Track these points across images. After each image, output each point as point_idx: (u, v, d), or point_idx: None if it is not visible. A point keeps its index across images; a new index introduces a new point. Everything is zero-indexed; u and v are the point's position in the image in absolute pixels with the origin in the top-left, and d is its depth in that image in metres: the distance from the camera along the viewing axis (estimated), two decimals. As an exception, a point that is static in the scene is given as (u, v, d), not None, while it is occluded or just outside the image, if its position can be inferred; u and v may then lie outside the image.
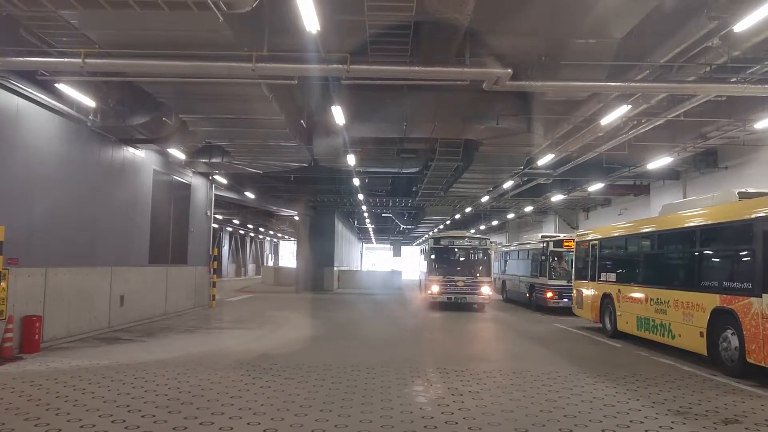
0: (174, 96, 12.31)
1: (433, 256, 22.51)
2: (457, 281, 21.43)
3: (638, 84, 10.75)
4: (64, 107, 11.64)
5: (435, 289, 21.49)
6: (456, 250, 22.92)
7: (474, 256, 22.90)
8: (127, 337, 12.97)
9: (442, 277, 21.60)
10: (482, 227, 45.56)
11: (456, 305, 21.60)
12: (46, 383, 8.22)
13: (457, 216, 36.17)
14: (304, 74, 10.61)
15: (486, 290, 21.61)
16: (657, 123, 13.42)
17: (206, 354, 11.21)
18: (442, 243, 22.77)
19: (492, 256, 23.75)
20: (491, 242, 24.11)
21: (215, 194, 23.12)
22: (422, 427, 6.52)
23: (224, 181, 23.03)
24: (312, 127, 15.79)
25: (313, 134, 16.03)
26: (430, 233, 39.49)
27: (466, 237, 23.59)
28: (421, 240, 58.58)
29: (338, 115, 12.87)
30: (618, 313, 14.52)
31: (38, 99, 10.99)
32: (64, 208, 12.13)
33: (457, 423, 6.70)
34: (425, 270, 24.09)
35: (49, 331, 11.45)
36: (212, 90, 11.52)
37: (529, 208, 32.83)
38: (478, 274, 21.96)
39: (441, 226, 43.09)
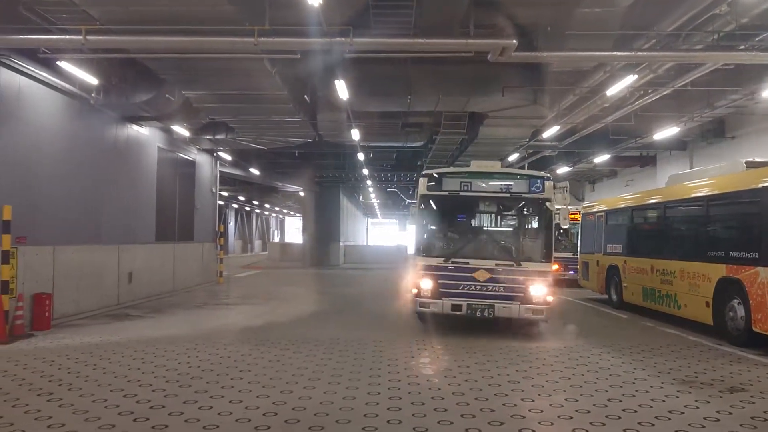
0: (176, 72, 12.24)
1: (425, 217, 11.26)
2: (477, 271, 10.37)
3: (645, 53, 10.65)
4: (67, 85, 11.60)
5: (425, 286, 10.54)
6: (477, 201, 11.42)
7: (516, 216, 12.03)
8: (136, 314, 13.10)
9: (442, 262, 10.55)
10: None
11: (471, 323, 11.06)
12: (58, 359, 8.32)
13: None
14: (306, 48, 10.51)
15: (539, 291, 10.28)
16: (664, 93, 13.31)
17: (215, 329, 11.31)
18: (446, 186, 10.88)
19: (554, 215, 10.91)
20: (554, 183, 10.81)
21: (220, 171, 23.14)
22: (429, 398, 6.58)
23: (229, 157, 23.01)
24: (316, 102, 15.71)
25: (317, 109, 15.96)
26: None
27: (500, 173, 11.18)
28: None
29: (341, 89, 12.78)
30: (624, 285, 14.56)
31: (41, 77, 10.94)
32: (70, 187, 12.15)
33: (464, 394, 6.77)
34: (414, 246, 11.78)
35: (59, 309, 11.56)
36: (215, 66, 11.45)
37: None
38: (523, 255, 10.92)
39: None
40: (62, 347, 9.21)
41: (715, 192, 11.14)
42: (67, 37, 9.39)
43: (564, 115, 16.04)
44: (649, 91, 13.50)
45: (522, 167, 26.52)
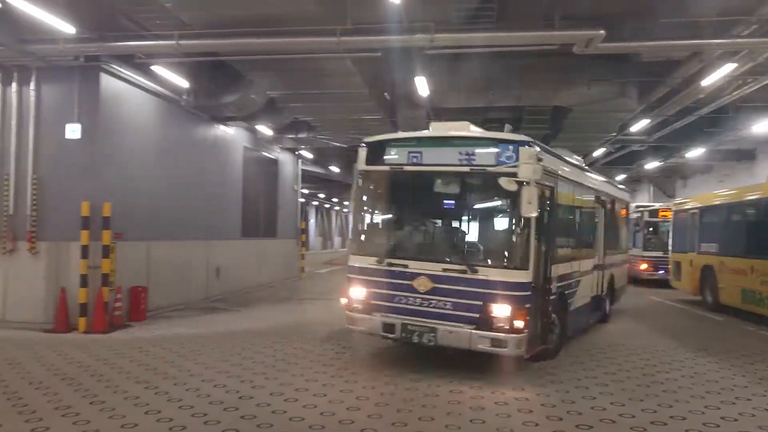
0: (262, 73, 12.56)
1: (362, 202, 8.62)
2: (416, 278, 7.55)
3: (745, 40, 9.96)
4: (160, 88, 12.16)
5: (355, 295, 8.13)
6: (427, 179, 8.11)
7: (479, 200, 8.28)
8: (223, 307, 13.58)
9: (375, 263, 7.93)
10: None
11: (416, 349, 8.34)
12: (153, 349, 8.75)
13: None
14: (387, 46, 10.51)
15: (502, 311, 6.99)
16: (765, 82, 12.47)
17: (298, 323, 11.56)
18: (390, 158, 8.19)
19: (538, 194, 7.01)
20: (537, 150, 7.37)
21: (301, 169, 23.62)
22: (513, 399, 6.46)
23: (310, 155, 23.46)
24: (395, 99, 15.72)
25: (396, 106, 15.96)
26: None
27: (458, 138, 7.96)
28: None
29: (422, 86, 12.73)
30: (720, 286, 13.77)
31: (137, 81, 11.52)
32: (163, 185, 12.71)
33: (549, 395, 6.60)
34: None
35: (153, 301, 12.13)
36: (298, 66, 11.67)
37: (621, 177, 31.52)
38: (482, 257, 7.59)
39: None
40: (157, 338, 9.68)
41: (825, 187, 10.35)
42: (162, 42, 9.85)
43: (654, 108, 15.32)
44: (749, 81, 12.68)
45: (608, 163, 25.53)
